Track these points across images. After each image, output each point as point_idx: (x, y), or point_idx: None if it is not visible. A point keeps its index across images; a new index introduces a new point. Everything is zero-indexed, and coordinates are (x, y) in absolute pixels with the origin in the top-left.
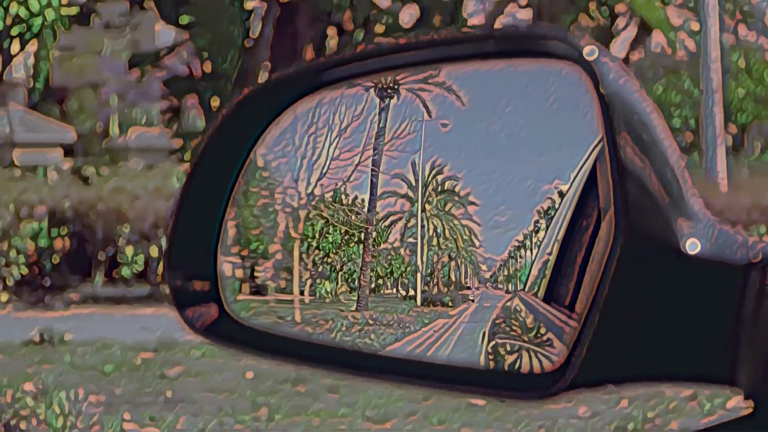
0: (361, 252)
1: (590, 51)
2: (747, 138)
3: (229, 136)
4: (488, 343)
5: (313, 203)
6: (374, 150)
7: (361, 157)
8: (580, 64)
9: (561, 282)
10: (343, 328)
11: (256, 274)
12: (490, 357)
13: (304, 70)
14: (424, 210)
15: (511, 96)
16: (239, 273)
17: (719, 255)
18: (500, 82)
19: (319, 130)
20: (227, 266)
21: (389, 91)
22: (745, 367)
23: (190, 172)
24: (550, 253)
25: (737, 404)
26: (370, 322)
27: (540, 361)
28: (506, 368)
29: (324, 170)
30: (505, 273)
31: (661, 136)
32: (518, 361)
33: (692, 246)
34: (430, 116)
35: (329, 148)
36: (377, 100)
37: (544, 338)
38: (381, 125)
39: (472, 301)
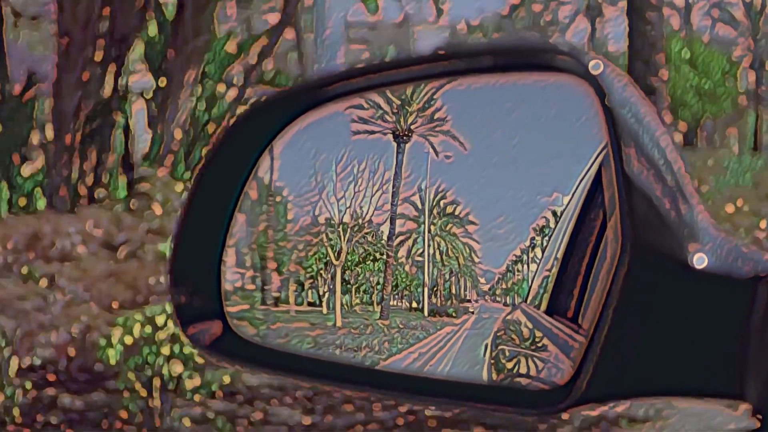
0: (375, 269)
1: (596, 65)
2: (700, 134)
3: (233, 151)
4: (491, 353)
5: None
6: (393, 186)
7: (380, 192)
8: (585, 78)
9: (563, 294)
10: (384, 332)
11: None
12: (492, 364)
13: (308, 85)
14: (429, 231)
15: (513, 109)
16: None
17: (727, 269)
18: (502, 96)
19: (346, 170)
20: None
21: (404, 137)
22: (754, 382)
23: (193, 187)
24: (551, 269)
25: (746, 420)
26: (401, 326)
27: (537, 366)
28: (510, 382)
29: (354, 207)
30: (503, 286)
31: (668, 150)
32: (517, 367)
33: (699, 261)
34: (437, 156)
35: (359, 186)
36: (394, 144)
37: (540, 344)
38: (398, 166)
39: (472, 312)
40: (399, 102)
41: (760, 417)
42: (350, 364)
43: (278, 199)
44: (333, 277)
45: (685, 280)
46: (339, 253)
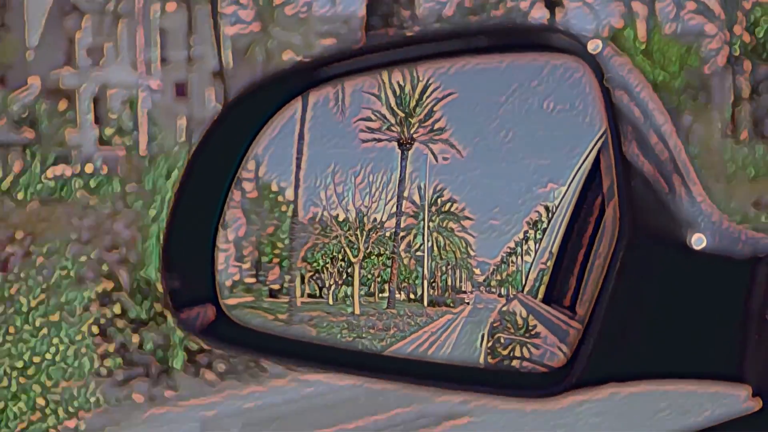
0: (379, 263)
1: (594, 45)
2: None
3: (226, 134)
4: (487, 343)
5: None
6: (398, 189)
7: (386, 194)
8: (583, 57)
9: (561, 284)
10: (397, 319)
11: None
12: (489, 354)
13: (297, 68)
14: (428, 227)
15: (509, 93)
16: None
17: (725, 250)
18: (498, 78)
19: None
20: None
21: (407, 145)
22: (753, 364)
23: (185, 172)
24: (547, 261)
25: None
26: (409, 314)
27: (532, 354)
28: (508, 366)
29: (360, 207)
30: (498, 277)
31: (666, 131)
32: (512, 353)
33: (698, 241)
34: (436, 161)
35: (369, 189)
36: (398, 151)
37: (534, 332)
38: (402, 171)
39: (468, 303)
40: (403, 114)
41: (759, 399)
42: (349, 349)
43: (279, 198)
44: (340, 272)
45: (683, 261)
46: (357, 252)
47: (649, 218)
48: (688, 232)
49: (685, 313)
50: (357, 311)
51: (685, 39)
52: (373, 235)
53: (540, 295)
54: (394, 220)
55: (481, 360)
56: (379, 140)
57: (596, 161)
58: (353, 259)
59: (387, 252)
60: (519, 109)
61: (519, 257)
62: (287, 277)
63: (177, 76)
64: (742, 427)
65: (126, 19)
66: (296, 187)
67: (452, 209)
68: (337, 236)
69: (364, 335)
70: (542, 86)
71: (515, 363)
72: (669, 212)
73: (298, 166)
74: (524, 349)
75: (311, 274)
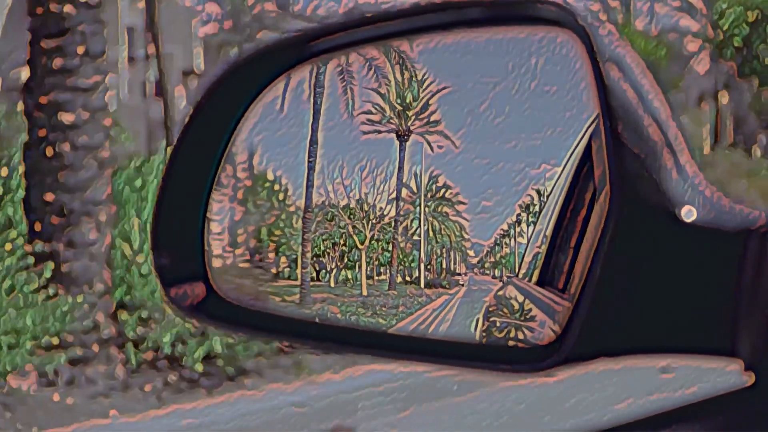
0: (379, 248)
1: (585, 15)
2: None
3: (216, 109)
4: (482, 326)
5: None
6: (397, 178)
7: (386, 182)
8: (573, 29)
9: (555, 266)
10: (403, 298)
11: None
12: (484, 335)
13: (288, 40)
14: (424, 212)
15: (501, 73)
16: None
17: (716, 222)
18: (489, 52)
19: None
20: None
21: (405, 136)
22: (746, 338)
23: (174, 148)
24: (541, 246)
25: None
26: (409, 294)
27: (526, 336)
28: (501, 342)
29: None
30: (492, 260)
31: (657, 104)
32: (507, 336)
33: (688, 214)
34: (432, 151)
35: (368, 177)
36: (396, 142)
37: (529, 315)
38: (400, 161)
39: (462, 285)
40: (401, 108)
41: (752, 373)
42: (349, 327)
43: (276, 187)
44: (341, 257)
45: (674, 233)
46: (363, 239)
47: (639, 190)
48: (678, 203)
49: (677, 287)
50: (365, 293)
51: (662, 35)
52: (378, 223)
53: (534, 278)
54: (394, 208)
55: (476, 338)
56: (379, 132)
57: (590, 142)
58: (360, 246)
59: (386, 237)
60: (511, 89)
61: (512, 239)
62: (283, 262)
63: (145, 75)
64: (736, 401)
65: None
66: (308, 186)
67: (446, 194)
68: (344, 225)
69: (378, 312)
70: (534, 64)
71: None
72: (660, 186)
73: (311, 168)
74: (519, 333)
75: (310, 258)
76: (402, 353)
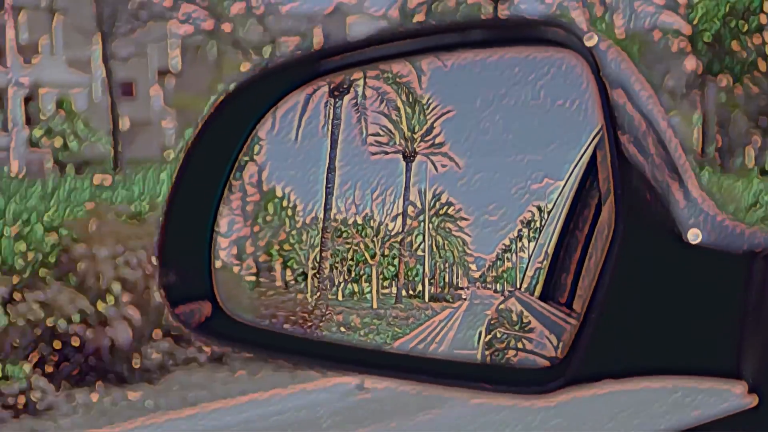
0: (385, 263)
1: (590, 37)
2: None
3: (223, 126)
4: (485, 339)
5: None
6: (404, 196)
7: (392, 200)
8: (579, 51)
9: (558, 281)
10: (411, 311)
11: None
12: (486, 350)
13: (297, 60)
14: (428, 228)
15: (505, 89)
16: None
17: (722, 245)
18: (495, 72)
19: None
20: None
21: (411, 157)
22: (750, 360)
23: (180, 165)
24: (543, 261)
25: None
26: (416, 308)
27: (525, 346)
28: (504, 363)
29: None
30: (494, 274)
31: (662, 125)
32: (508, 346)
33: (694, 236)
34: (436, 170)
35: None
36: (403, 163)
37: (528, 327)
38: (407, 180)
39: (465, 299)
40: (409, 133)
41: (756, 395)
42: (346, 345)
43: (285, 203)
44: (349, 271)
45: (679, 255)
46: (374, 255)
47: (644, 211)
48: (684, 225)
49: (682, 309)
50: (375, 306)
51: (645, 34)
52: (387, 240)
53: (537, 293)
54: (400, 225)
55: (479, 357)
56: (386, 153)
57: (593, 158)
58: (371, 261)
59: (392, 253)
60: (515, 104)
61: (514, 254)
62: (289, 275)
63: (120, 75)
64: (739, 423)
65: (62, 14)
66: (326, 209)
67: (449, 211)
68: (356, 242)
69: (392, 322)
70: (539, 81)
71: (511, 353)
72: (665, 208)
73: (329, 194)
74: (519, 344)
75: (314, 272)
76: (405, 373)
